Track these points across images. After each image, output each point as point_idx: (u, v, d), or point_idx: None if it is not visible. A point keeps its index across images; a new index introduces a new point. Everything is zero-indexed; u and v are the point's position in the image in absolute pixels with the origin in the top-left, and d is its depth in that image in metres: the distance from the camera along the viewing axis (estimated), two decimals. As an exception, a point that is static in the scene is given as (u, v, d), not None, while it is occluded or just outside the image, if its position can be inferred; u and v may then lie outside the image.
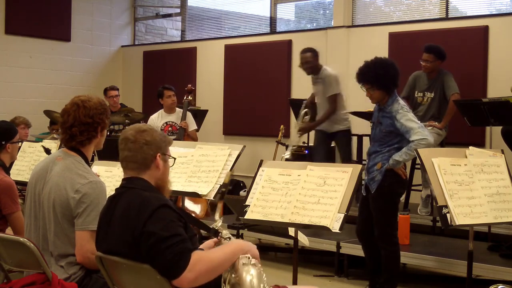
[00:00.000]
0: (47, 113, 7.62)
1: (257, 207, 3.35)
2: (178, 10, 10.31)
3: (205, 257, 2.27)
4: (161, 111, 6.89)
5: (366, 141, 6.26)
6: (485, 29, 6.54)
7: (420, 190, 6.01)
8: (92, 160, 6.86)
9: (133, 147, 2.48)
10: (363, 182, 4.44)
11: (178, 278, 2.20)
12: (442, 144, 5.90)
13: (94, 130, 2.93)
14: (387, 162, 4.23)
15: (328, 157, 6.36)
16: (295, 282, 3.42)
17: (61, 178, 2.83)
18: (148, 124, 2.72)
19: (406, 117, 4.20)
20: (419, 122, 4.28)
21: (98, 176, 3.18)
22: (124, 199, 2.42)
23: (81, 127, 2.89)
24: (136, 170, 2.50)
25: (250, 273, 2.26)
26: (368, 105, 5.15)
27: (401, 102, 4.31)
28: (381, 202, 4.30)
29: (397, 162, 4.20)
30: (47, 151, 4.34)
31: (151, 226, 2.25)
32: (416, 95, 6.02)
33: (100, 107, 2.94)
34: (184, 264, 2.21)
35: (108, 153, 5.42)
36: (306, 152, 6.91)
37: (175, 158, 2.60)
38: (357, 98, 7.15)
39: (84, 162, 2.91)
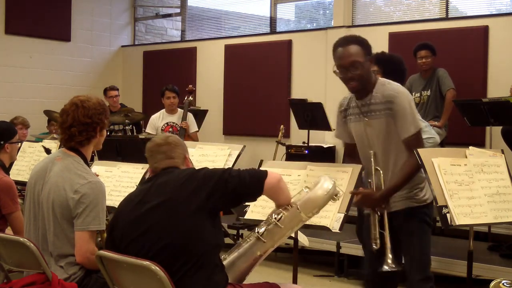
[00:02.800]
0: (47, 113, 7.62)
1: (257, 207, 3.34)
2: (178, 10, 10.31)
3: None
4: (163, 111, 6.90)
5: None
6: (485, 29, 6.54)
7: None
8: (92, 160, 6.88)
9: (167, 148, 2.67)
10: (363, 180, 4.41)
11: (267, 175, 2.51)
12: (442, 144, 5.90)
13: (93, 130, 2.92)
14: None
15: None
16: (295, 282, 3.42)
17: (60, 178, 2.82)
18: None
19: None
20: (425, 121, 4.30)
21: (98, 176, 3.18)
22: (164, 177, 2.57)
23: (80, 127, 2.88)
24: (170, 162, 2.66)
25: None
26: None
27: None
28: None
29: None
30: (48, 151, 4.34)
31: (213, 176, 2.49)
32: (413, 96, 6.03)
33: (99, 107, 2.94)
34: (262, 169, 2.58)
35: (108, 153, 5.44)
36: (306, 152, 6.92)
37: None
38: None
39: (83, 162, 2.90)
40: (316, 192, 2.64)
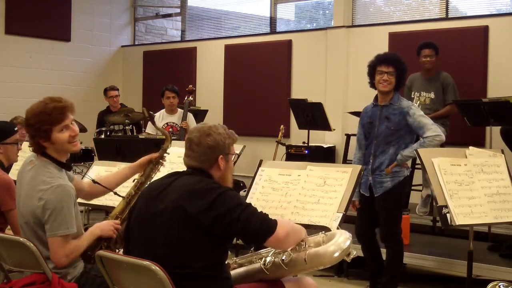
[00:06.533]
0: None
1: (257, 207, 3.34)
2: (178, 10, 10.31)
3: (285, 219, 2.62)
4: (163, 111, 6.89)
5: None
6: (485, 29, 6.54)
7: (420, 190, 6.01)
8: (92, 160, 6.88)
9: (197, 149, 2.56)
10: (364, 181, 4.41)
11: (274, 233, 2.40)
12: (442, 144, 5.90)
13: (32, 139, 2.84)
14: (395, 160, 4.23)
15: None
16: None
17: (29, 186, 2.81)
18: (214, 126, 2.63)
19: (419, 113, 4.24)
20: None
21: (94, 180, 3.14)
22: (186, 178, 2.53)
23: (29, 133, 2.86)
24: (200, 164, 2.58)
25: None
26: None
27: (407, 100, 4.38)
28: (391, 202, 4.29)
29: (407, 158, 4.20)
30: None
31: (225, 204, 2.40)
32: (412, 96, 6.04)
33: (35, 116, 2.79)
34: (275, 221, 2.44)
35: (108, 153, 5.44)
36: (306, 152, 6.91)
37: (238, 155, 2.73)
38: (357, 98, 7.16)
39: (53, 165, 2.84)
40: (328, 248, 2.51)
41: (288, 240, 2.48)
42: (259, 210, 2.48)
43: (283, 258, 2.52)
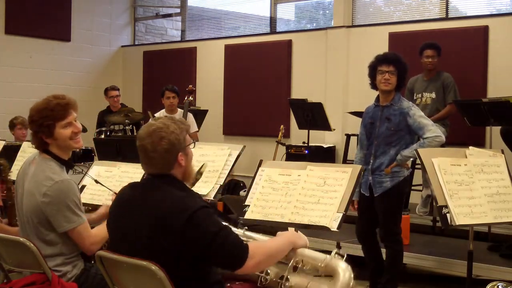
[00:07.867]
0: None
1: (257, 207, 3.34)
2: (178, 10, 10.32)
3: (262, 245, 2.52)
4: (163, 111, 6.90)
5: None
6: (485, 29, 6.54)
7: (420, 190, 6.01)
8: (92, 160, 6.87)
9: (154, 155, 2.41)
10: (364, 181, 4.41)
11: (242, 267, 2.35)
12: (442, 144, 5.90)
13: (35, 136, 2.87)
14: (395, 161, 4.23)
15: None
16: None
17: (31, 184, 2.82)
18: (164, 125, 2.43)
19: (419, 114, 4.24)
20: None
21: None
22: (155, 197, 2.41)
23: (32, 130, 2.87)
24: (160, 170, 2.46)
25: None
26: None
27: (408, 101, 4.37)
28: (391, 202, 4.29)
29: (407, 158, 4.20)
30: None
31: (197, 230, 2.29)
32: (414, 97, 6.04)
33: (38, 113, 2.82)
34: (246, 252, 2.36)
35: (108, 153, 5.44)
36: (306, 152, 6.91)
37: (194, 142, 2.59)
38: (357, 98, 7.17)
39: (55, 163, 2.85)
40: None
41: (258, 269, 2.50)
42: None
43: (287, 284, 2.56)
